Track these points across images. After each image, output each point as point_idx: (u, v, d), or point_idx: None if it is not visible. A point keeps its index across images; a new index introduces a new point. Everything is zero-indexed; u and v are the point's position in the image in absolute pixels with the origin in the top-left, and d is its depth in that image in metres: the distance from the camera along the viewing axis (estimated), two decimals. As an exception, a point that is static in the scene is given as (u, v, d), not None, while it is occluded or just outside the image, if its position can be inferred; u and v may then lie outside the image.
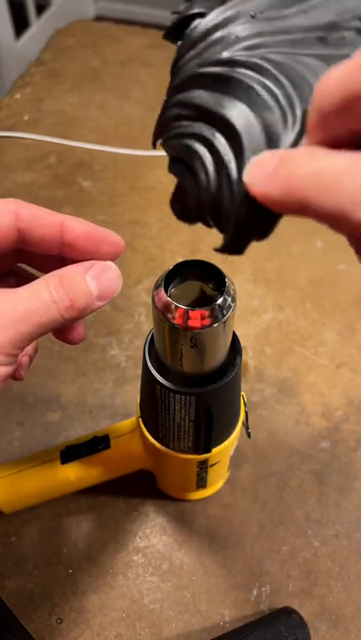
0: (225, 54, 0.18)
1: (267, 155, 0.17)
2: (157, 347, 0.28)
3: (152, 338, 0.30)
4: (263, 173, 0.16)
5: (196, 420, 0.30)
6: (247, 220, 0.18)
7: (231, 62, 0.18)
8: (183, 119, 0.19)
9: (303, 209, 0.15)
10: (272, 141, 0.17)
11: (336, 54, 0.18)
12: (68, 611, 0.37)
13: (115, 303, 0.55)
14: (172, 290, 0.26)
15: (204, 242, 0.60)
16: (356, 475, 0.44)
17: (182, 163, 0.20)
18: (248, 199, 0.17)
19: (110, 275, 0.24)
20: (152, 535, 0.41)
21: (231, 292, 0.25)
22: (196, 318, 0.24)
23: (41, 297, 0.21)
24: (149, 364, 0.29)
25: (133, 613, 0.37)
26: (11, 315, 0.21)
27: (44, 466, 0.37)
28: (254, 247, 0.19)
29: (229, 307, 0.25)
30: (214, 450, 0.33)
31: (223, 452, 0.34)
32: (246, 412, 0.36)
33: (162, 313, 0.25)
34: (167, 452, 0.34)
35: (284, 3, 0.18)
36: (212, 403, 0.29)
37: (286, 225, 0.19)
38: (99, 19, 2.28)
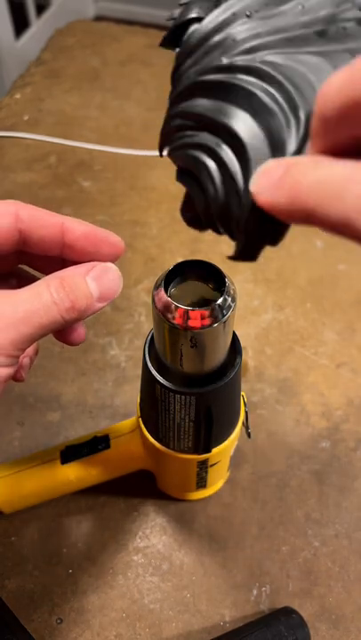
0: (224, 60, 0.18)
1: (272, 163, 0.17)
2: (157, 347, 0.28)
3: (152, 338, 0.30)
4: (269, 182, 0.16)
5: (196, 420, 0.30)
6: (256, 228, 0.18)
7: (231, 68, 0.18)
8: (187, 129, 0.19)
9: (309, 218, 0.15)
10: (277, 148, 0.17)
11: (337, 49, 0.17)
12: (68, 611, 0.37)
13: (115, 303, 0.55)
14: (172, 290, 0.26)
15: (204, 242, 0.60)
16: (357, 475, 0.44)
17: (190, 174, 0.20)
18: (256, 208, 0.17)
19: (111, 276, 0.24)
20: (152, 535, 0.41)
21: (231, 291, 0.25)
22: (196, 318, 0.24)
23: (42, 298, 0.22)
24: (149, 364, 0.29)
25: (133, 613, 0.37)
26: (12, 316, 0.21)
27: (44, 466, 0.37)
28: (254, 247, 0.19)
29: (229, 307, 0.25)
30: (214, 450, 0.33)
31: (223, 451, 0.34)
32: (246, 412, 0.36)
33: (162, 313, 0.25)
34: (167, 451, 0.34)
35: None
36: (212, 403, 0.29)
37: (286, 225, 0.19)
38: (99, 19, 2.28)
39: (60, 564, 0.39)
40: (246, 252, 0.19)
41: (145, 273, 0.58)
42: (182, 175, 0.20)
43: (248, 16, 0.18)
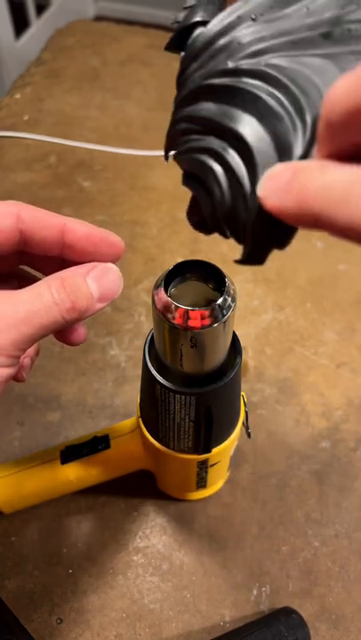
0: (230, 64, 0.18)
1: (280, 167, 0.17)
2: (157, 347, 0.28)
3: (152, 338, 0.30)
4: (277, 186, 0.16)
5: (196, 420, 0.30)
6: (264, 231, 0.18)
7: (236, 72, 0.18)
8: (193, 133, 0.19)
9: (317, 222, 0.15)
10: (283, 151, 0.17)
11: (342, 51, 0.17)
12: (68, 611, 0.37)
13: (115, 303, 0.55)
14: (172, 290, 0.26)
15: (204, 242, 0.60)
16: (357, 475, 0.44)
17: (196, 178, 0.20)
18: (263, 212, 0.17)
19: (111, 276, 0.24)
20: (152, 535, 0.41)
21: (231, 291, 0.25)
22: (196, 318, 0.24)
23: (43, 299, 0.22)
24: (149, 364, 0.29)
25: (133, 613, 0.37)
26: (13, 316, 0.21)
27: (44, 466, 0.37)
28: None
29: (229, 307, 0.25)
30: (214, 450, 0.33)
31: (223, 451, 0.34)
32: (246, 412, 0.36)
33: (162, 313, 0.25)
34: (167, 451, 0.34)
35: (286, 1, 0.18)
36: (212, 403, 0.29)
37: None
38: (99, 19, 2.28)
39: (60, 564, 0.39)
40: (254, 256, 0.19)
41: (145, 273, 0.58)
42: (188, 179, 0.20)
43: (253, 19, 0.18)
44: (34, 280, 0.27)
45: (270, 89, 0.17)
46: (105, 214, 0.64)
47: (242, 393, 0.34)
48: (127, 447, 0.37)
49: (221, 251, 0.58)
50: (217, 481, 0.41)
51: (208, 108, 0.19)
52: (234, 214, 0.18)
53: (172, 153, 0.21)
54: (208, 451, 0.33)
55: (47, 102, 0.81)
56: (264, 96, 0.17)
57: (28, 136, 0.75)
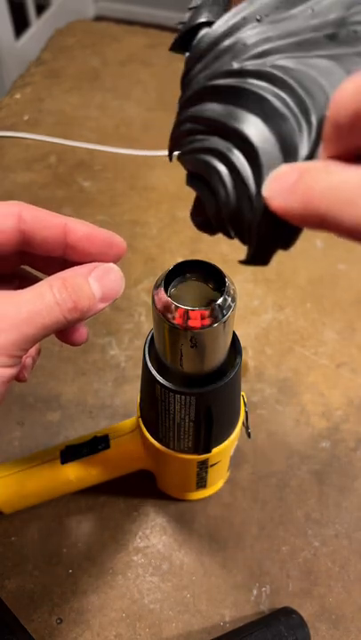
0: (235, 65, 0.18)
1: (285, 168, 0.17)
2: (157, 347, 0.28)
3: (152, 338, 0.30)
4: (282, 187, 0.16)
5: (196, 420, 0.30)
6: (269, 232, 0.18)
7: (242, 73, 0.18)
8: (197, 133, 0.19)
9: (323, 223, 0.15)
10: (289, 152, 0.17)
11: (348, 52, 0.17)
12: (68, 611, 0.37)
13: (115, 303, 0.55)
14: (172, 290, 0.26)
15: (204, 242, 0.60)
16: (357, 475, 0.44)
17: (200, 178, 0.20)
18: (268, 212, 0.17)
19: (113, 276, 0.24)
20: (152, 535, 0.41)
21: (231, 292, 0.25)
22: (196, 318, 0.24)
23: (44, 299, 0.22)
24: (149, 364, 0.29)
25: (133, 613, 0.37)
26: (14, 317, 0.21)
27: (44, 466, 0.37)
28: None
29: (229, 307, 0.25)
30: (214, 450, 0.33)
31: (223, 451, 0.34)
32: (246, 412, 0.36)
33: (162, 313, 0.25)
34: (167, 452, 0.34)
35: (291, 2, 0.18)
36: (212, 403, 0.29)
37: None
38: (99, 19, 2.28)
39: (60, 564, 0.39)
40: (258, 257, 0.19)
41: (145, 273, 0.58)
42: (193, 179, 0.20)
43: (258, 20, 0.18)
44: (35, 280, 0.27)
45: (276, 90, 0.17)
46: (105, 214, 0.64)
47: (242, 393, 0.34)
48: (127, 447, 0.37)
49: (222, 251, 0.58)
50: (217, 481, 0.41)
51: (213, 108, 0.18)
52: (239, 215, 0.18)
53: (177, 153, 0.21)
54: (208, 451, 0.33)
55: (47, 102, 0.81)
56: (269, 97, 0.17)
57: (28, 136, 0.75)
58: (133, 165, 0.71)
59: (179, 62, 0.20)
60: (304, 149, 0.17)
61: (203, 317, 0.24)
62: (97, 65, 0.89)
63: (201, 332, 0.25)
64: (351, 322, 0.54)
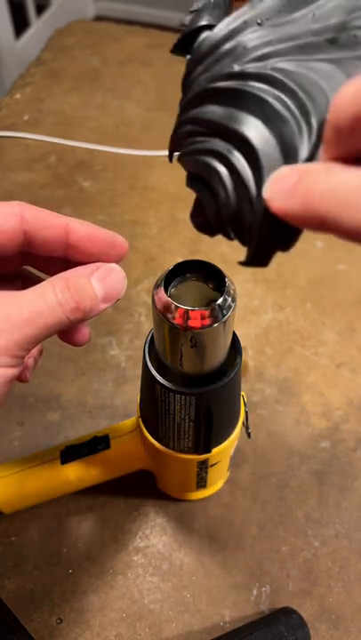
0: (236, 67, 0.18)
1: (286, 170, 0.17)
2: (157, 347, 0.28)
3: (152, 338, 0.30)
4: (283, 189, 0.16)
5: (196, 420, 0.30)
6: (269, 233, 0.18)
7: (242, 75, 0.18)
8: (198, 135, 0.19)
9: (323, 225, 0.15)
10: (289, 154, 0.17)
11: (348, 56, 0.17)
12: (68, 611, 0.37)
13: (115, 303, 0.55)
14: (172, 290, 0.26)
15: (204, 242, 0.60)
16: (357, 475, 0.44)
17: (200, 179, 0.20)
18: (268, 214, 0.17)
19: (115, 277, 0.24)
20: (152, 535, 0.41)
21: (231, 291, 0.25)
22: (196, 318, 0.24)
23: (47, 299, 0.22)
24: (149, 364, 0.29)
25: (133, 613, 0.37)
26: (17, 317, 0.21)
27: (44, 466, 0.37)
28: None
29: (229, 307, 0.25)
30: (214, 450, 0.33)
31: (223, 451, 0.34)
32: (246, 412, 0.36)
33: (162, 313, 0.25)
34: (167, 452, 0.34)
35: (292, 7, 0.18)
36: (212, 403, 0.29)
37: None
38: (99, 19, 2.28)
39: (60, 564, 0.39)
40: (258, 258, 0.19)
41: (145, 273, 0.58)
42: (193, 181, 0.20)
43: (259, 24, 0.18)
44: (38, 280, 0.27)
45: (277, 92, 0.17)
46: (105, 214, 0.64)
47: (242, 393, 0.34)
48: (127, 447, 0.37)
49: (222, 251, 0.58)
50: (217, 481, 0.41)
51: (214, 110, 0.19)
52: (239, 216, 0.18)
53: (177, 154, 0.21)
54: (208, 451, 0.33)
55: (47, 102, 0.81)
56: (270, 99, 0.17)
57: (28, 136, 0.75)
58: (133, 165, 0.71)
59: (179, 63, 0.20)
60: (304, 152, 0.17)
61: (203, 317, 0.24)
62: (97, 65, 0.89)
63: (201, 332, 0.25)
64: (351, 322, 0.54)
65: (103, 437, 0.38)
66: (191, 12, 0.19)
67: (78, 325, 0.27)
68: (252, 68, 0.18)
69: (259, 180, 0.18)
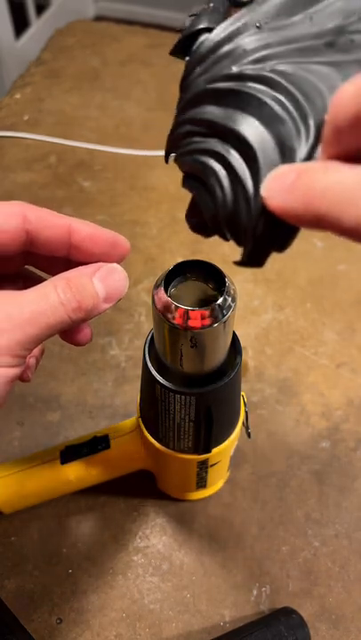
0: (234, 69, 0.18)
1: (284, 168, 0.17)
2: (157, 347, 0.28)
3: (152, 338, 0.30)
4: (281, 187, 0.16)
5: (196, 420, 0.30)
6: (265, 233, 0.18)
7: (241, 77, 0.18)
8: (195, 135, 0.19)
9: (321, 222, 0.15)
10: (286, 155, 0.17)
11: (346, 59, 0.18)
12: (68, 611, 0.37)
13: (116, 303, 0.55)
14: (172, 290, 0.26)
15: (204, 242, 0.60)
16: (357, 475, 0.44)
17: (197, 179, 0.20)
18: (265, 213, 0.17)
19: (117, 277, 0.24)
20: (152, 535, 0.41)
21: (231, 291, 0.25)
22: (196, 318, 0.24)
23: (49, 299, 0.22)
24: (149, 364, 0.29)
25: (133, 613, 0.37)
26: (18, 317, 0.21)
27: (44, 466, 0.37)
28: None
29: (229, 307, 0.25)
30: (214, 450, 0.33)
31: (223, 451, 0.34)
32: (246, 412, 0.36)
33: (162, 313, 0.25)
34: (167, 452, 0.34)
35: (290, 10, 0.18)
36: (212, 403, 0.29)
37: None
38: (99, 19, 2.28)
39: (60, 564, 0.39)
40: (253, 258, 0.19)
41: (145, 273, 0.58)
42: (189, 180, 0.20)
43: (258, 27, 0.18)
44: (39, 280, 0.27)
45: (275, 94, 0.17)
46: (105, 214, 0.64)
47: (242, 393, 0.34)
48: (127, 447, 0.37)
49: (222, 251, 0.58)
50: (217, 481, 0.41)
51: (212, 111, 0.19)
52: (235, 215, 0.19)
53: (173, 155, 0.21)
54: (208, 451, 0.33)
55: (47, 102, 0.81)
56: (268, 100, 0.17)
57: (28, 136, 0.75)
58: (133, 165, 0.71)
59: (179, 63, 0.20)
60: (302, 152, 0.17)
61: (203, 317, 0.24)
62: (97, 65, 0.89)
63: (201, 332, 0.25)
64: (351, 322, 0.54)
65: (103, 437, 0.38)
66: (190, 15, 0.20)
67: (80, 325, 0.27)
68: (250, 69, 0.18)
69: (256, 180, 0.18)
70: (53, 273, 0.24)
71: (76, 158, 0.72)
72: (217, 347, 0.27)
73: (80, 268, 0.24)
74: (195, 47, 0.19)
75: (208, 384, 0.28)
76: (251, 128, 0.18)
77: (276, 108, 0.17)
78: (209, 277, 0.27)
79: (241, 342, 0.30)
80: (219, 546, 0.40)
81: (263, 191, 0.17)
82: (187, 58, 0.20)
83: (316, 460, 0.45)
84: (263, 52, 0.18)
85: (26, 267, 0.28)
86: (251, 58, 0.18)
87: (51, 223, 0.24)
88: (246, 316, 0.54)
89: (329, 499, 0.43)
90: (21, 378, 0.27)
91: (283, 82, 0.17)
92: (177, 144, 0.20)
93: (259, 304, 0.55)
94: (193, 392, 0.28)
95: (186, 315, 0.24)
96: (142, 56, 0.90)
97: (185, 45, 0.20)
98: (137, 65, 0.89)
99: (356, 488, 0.43)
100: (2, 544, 0.40)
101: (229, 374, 0.28)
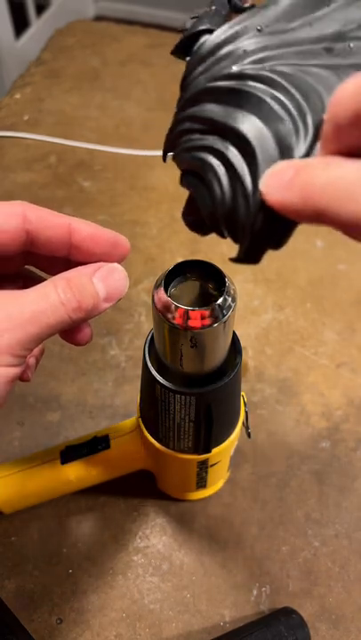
0: (234, 68, 0.18)
1: (283, 164, 0.17)
2: (157, 347, 0.28)
3: (152, 338, 0.30)
4: (280, 183, 0.16)
5: (196, 420, 0.30)
6: (263, 229, 0.18)
7: (241, 76, 0.18)
8: (195, 133, 0.20)
9: (320, 217, 0.15)
10: (285, 152, 0.17)
11: (343, 64, 0.18)
12: (68, 611, 0.37)
13: (116, 303, 0.55)
14: (172, 290, 0.26)
15: (204, 242, 0.60)
16: (357, 475, 0.44)
17: (195, 176, 0.20)
18: (264, 209, 0.17)
19: (117, 276, 0.24)
20: (152, 535, 0.41)
21: (231, 291, 0.25)
22: (197, 318, 0.24)
23: (49, 299, 0.22)
24: (149, 364, 0.29)
25: (133, 613, 0.37)
26: (19, 316, 0.21)
27: (44, 466, 0.37)
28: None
29: (229, 307, 0.25)
30: (214, 450, 0.33)
31: (223, 451, 0.34)
32: (246, 412, 0.36)
33: (162, 313, 0.25)
34: (167, 452, 0.34)
35: (290, 16, 0.19)
36: (212, 403, 0.29)
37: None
38: (99, 19, 2.28)
39: (60, 564, 0.39)
40: (250, 254, 0.19)
41: (145, 273, 0.58)
42: (187, 177, 0.20)
43: (259, 30, 0.19)
44: (40, 280, 0.27)
45: (274, 92, 0.18)
46: (105, 214, 0.64)
47: (242, 393, 0.34)
48: (127, 447, 0.37)
49: (222, 251, 0.58)
50: (217, 481, 0.41)
51: (212, 109, 0.19)
52: (233, 212, 0.19)
53: (171, 154, 0.21)
54: (208, 451, 0.33)
55: (47, 102, 0.81)
56: (268, 99, 0.18)
57: (28, 136, 0.75)
58: (133, 165, 0.71)
59: (179, 63, 0.20)
60: (301, 150, 0.17)
61: (203, 317, 0.24)
62: (97, 65, 0.89)
63: (201, 332, 0.25)
64: (351, 322, 0.54)
65: (103, 437, 0.38)
66: (192, 17, 0.20)
67: (80, 325, 0.27)
68: (250, 69, 0.18)
69: (255, 176, 0.18)
70: (53, 273, 0.24)
71: (76, 158, 0.72)
72: (217, 347, 0.27)
73: (80, 267, 0.24)
74: (196, 47, 0.20)
75: (208, 384, 0.28)
76: (250, 125, 0.18)
77: (276, 106, 0.18)
78: (209, 277, 0.27)
79: (241, 342, 0.30)
80: (219, 546, 0.40)
81: (262, 187, 0.17)
82: (187, 58, 0.20)
83: (316, 460, 0.45)
84: (263, 54, 0.18)
85: (26, 267, 0.28)
86: (251, 58, 0.18)
87: (51, 223, 0.24)
88: (246, 315, 0.54)
89: (329, 499, 0.43)
90: (21, 378, 0.27)
91: (282, 81, 0.18)
92: (175, 143, 0.20)
93: (259, 304, 0.55)
94: (193, 392, 0.28)
95: (186, 315, 0.24)
96: (142, 56, 0.90)
97: (186, 46, 0.20)
98: (137, 65, 0.89)
99: (356, 488, 0.43)
100: (2, 544, 0.40)
101: (229, 374, 0.28)
